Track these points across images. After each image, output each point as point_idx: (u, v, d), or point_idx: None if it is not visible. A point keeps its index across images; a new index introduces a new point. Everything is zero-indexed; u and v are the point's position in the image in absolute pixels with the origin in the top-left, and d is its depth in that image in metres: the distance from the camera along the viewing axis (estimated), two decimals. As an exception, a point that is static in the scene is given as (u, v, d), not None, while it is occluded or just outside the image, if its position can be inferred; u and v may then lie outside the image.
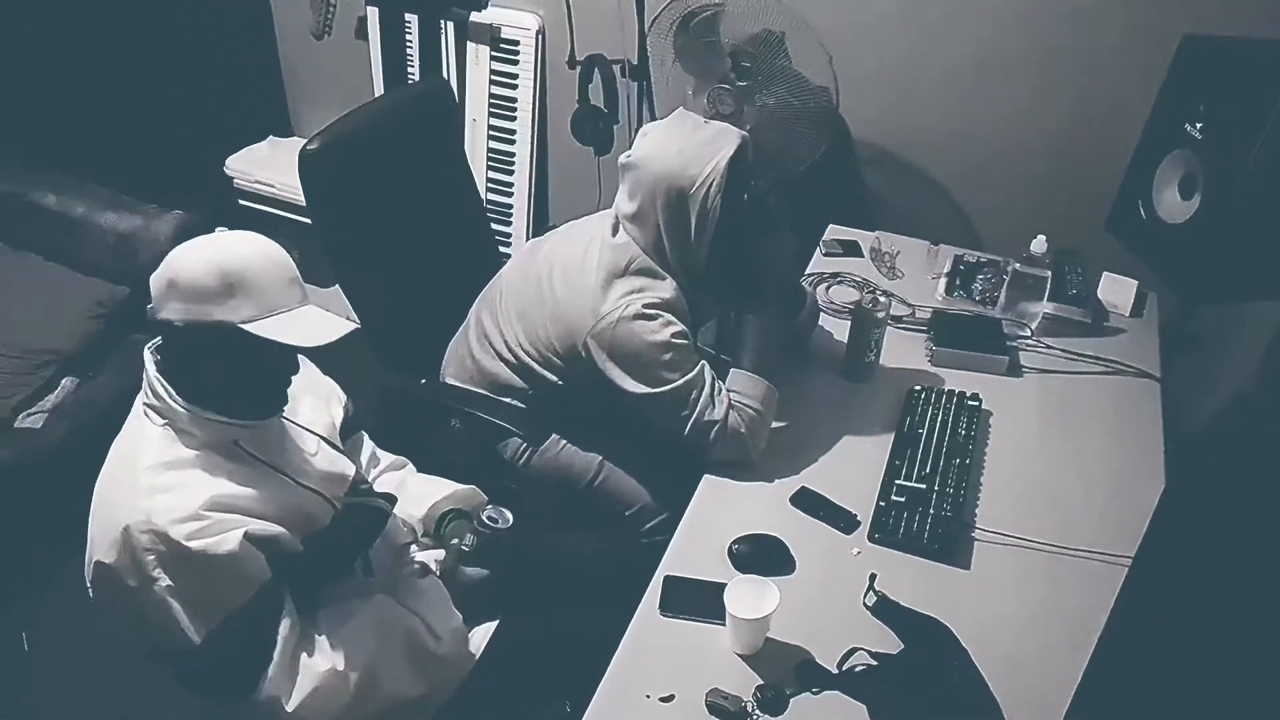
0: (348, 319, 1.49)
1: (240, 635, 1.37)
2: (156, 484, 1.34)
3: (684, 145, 1.76)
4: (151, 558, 1.31)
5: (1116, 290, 2.36)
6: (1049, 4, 2.47)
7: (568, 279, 1.84)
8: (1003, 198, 2.75)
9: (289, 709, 1.39)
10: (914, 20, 2.62)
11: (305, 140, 1.94)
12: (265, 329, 1.35)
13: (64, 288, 2.57)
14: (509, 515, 1.65)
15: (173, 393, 1.39)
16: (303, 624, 1.46)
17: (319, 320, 1.43)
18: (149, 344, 1.44)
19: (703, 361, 1.81)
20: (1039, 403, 2.05)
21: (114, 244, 2.59)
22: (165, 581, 1.32)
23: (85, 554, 1.38)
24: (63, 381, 2.49)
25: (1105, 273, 2.38)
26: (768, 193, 1.81)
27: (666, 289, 1.81)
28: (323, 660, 1.44)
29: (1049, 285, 2.20)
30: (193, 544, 1.32)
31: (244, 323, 1.34)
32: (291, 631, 1.41)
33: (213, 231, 1.49)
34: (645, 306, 1.77)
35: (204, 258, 1.34)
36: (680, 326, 1.79)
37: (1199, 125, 2.00)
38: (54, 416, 2.42)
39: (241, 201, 3.49)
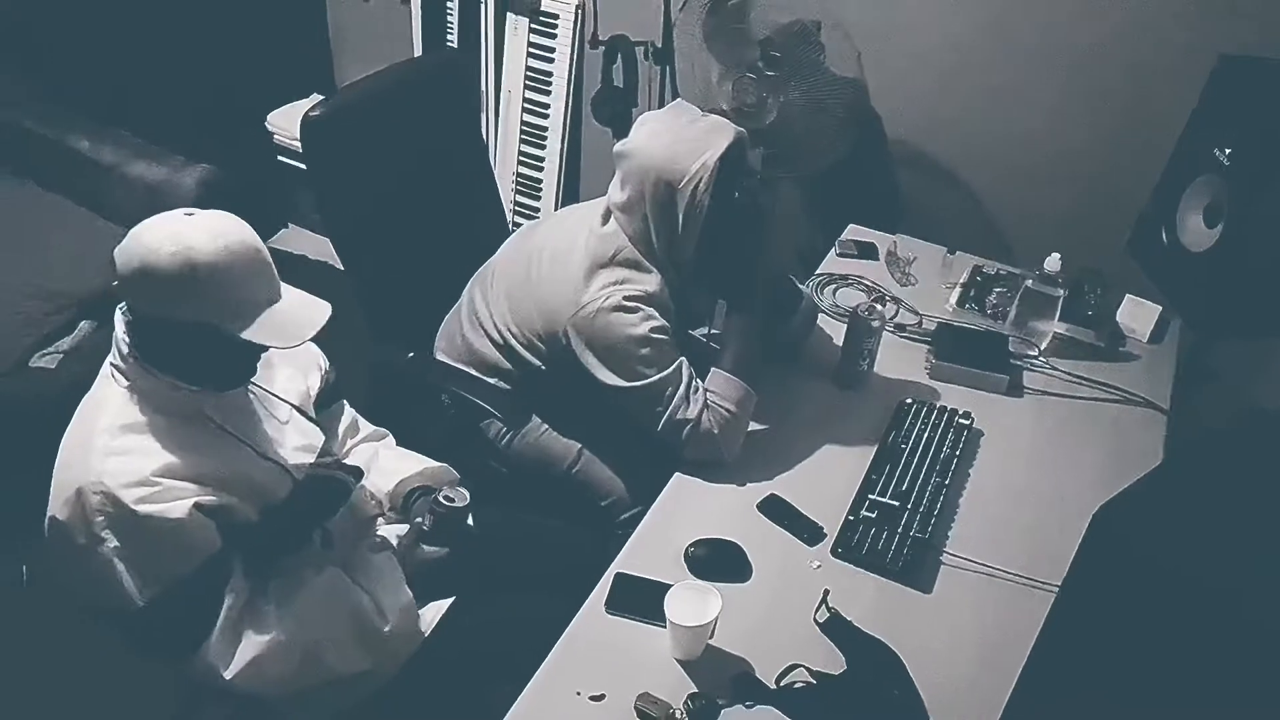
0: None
1: (183, 601, 1.39)
2: (112, 446, 1.37)
3: (676, 138, 1.73)
4: (101, 519, 1.34)
5: (1137, 315, 2.27)
6: (1091, 16, 2.38)
7: (554, 265, 1.83)
8: (1032, 210, 2.67)
9: (226, 676, 1.41)
10: (952, 22, 2.54)
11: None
12: (252, 334, 1.37)
13: (89, 233, 2.62)
14: (466, 494, 1.65)
15: (139, 356, 1.41)
16: (252, 593, 1.48)
17: (299, 309, 1.43)
18: (121, 304, 1.46)
19: (681, 359, 1.79)
20: (1035, 426, 2.00)
21: (140, 193, 2.63)
22: (113, 543, 1.35)
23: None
24: (81, 325, 2.54)
25: (1128, 295, 2.30)
26: (760, 191, 1.77)
27: (651, 282, 1.79)
28: (266, 631, 1.45)
29: (1061, 304, 2.14)
30: (141, 509, 1.34)
31: (221, 325, 1.36)
32: (237, 601, 1.43)
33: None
34: (626, 299, 1.75)
35: (174, 255, 1.32)
36: (660, 322, 1.77)
37: (1228, 150, 1.91)
38: (69, 358, 2.48)
39: (280, 158, 3.53)
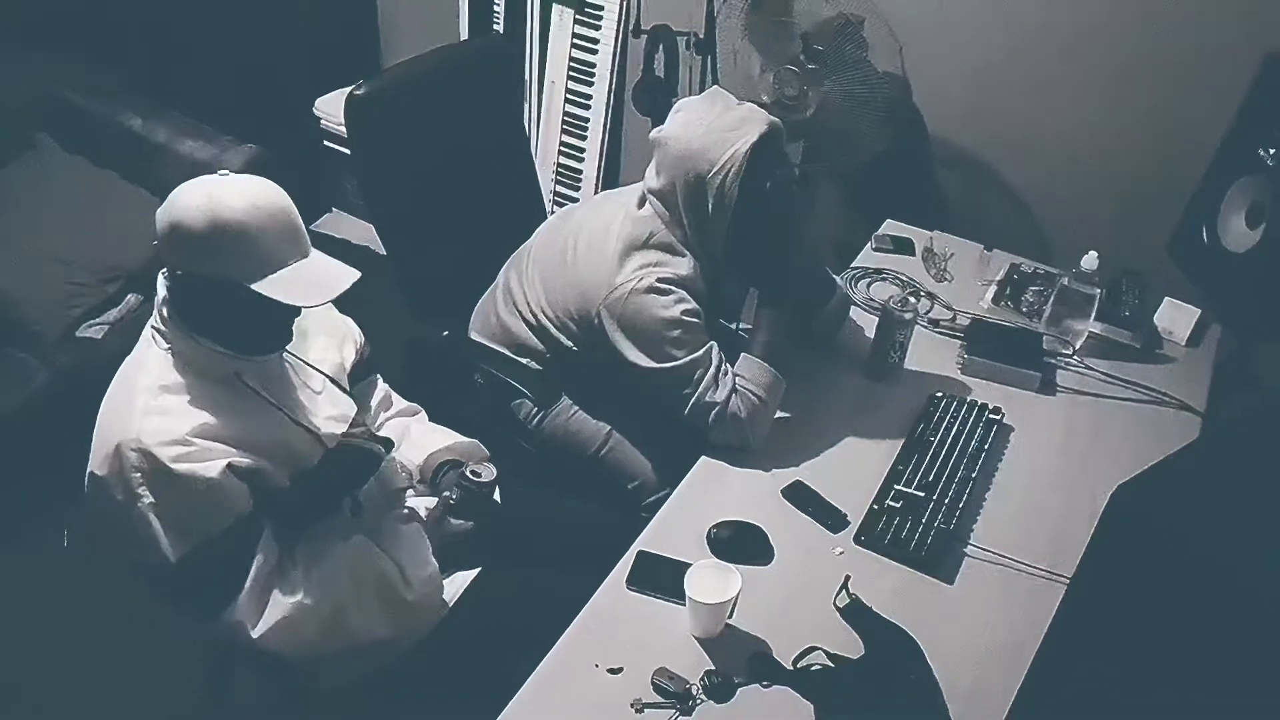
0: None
1: (215, 559, 1.42)
2: (151, 405, 1.40)
3: (709, 127, 1.75)
4: (138, 475, 1.37)
5: (1176, 317, 2.25)
6: (1133, 16, 2.36)
7: (589, 247, 1.85)
8: (1071, 210, 2.65)
9: (253, 635, 1.44)
10: (994, 19, 2.53)
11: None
12: (265, 287, 1.38)
13: (138, 208, 2.66)
14: (493, 470, 1.67)
15: (179, 320, 1.44)
16: (281, 557, 1.51)
17: (323, 272, 1.45)
18: (163, 269, 1.50)
19: (712, 343, 1.81)
20: (1066, 424, 1.98)
21: (188, 171, 2.67)
22: (148, 499, 1.38)
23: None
24: (127, 297, 2.61)
25: (1167, 298, 2.27)
26: (792, 183, 1.78)
27: (684, 266, 1.81)
28: (293, 594, 1.48)
29: (1098, 304, 2.12)
30: (177, 467, 1.37)
31: (243, 281, 1.38)
32: (266, 562, 1.46)
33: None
34: (659, 281, 1.77)
35: (201, 210, 1.36)
36: (692, 305, 1.79)
37: (1272, 151, 1.89)
38: (115, 330, 2.54)
39: (326, 143, 3.58)
